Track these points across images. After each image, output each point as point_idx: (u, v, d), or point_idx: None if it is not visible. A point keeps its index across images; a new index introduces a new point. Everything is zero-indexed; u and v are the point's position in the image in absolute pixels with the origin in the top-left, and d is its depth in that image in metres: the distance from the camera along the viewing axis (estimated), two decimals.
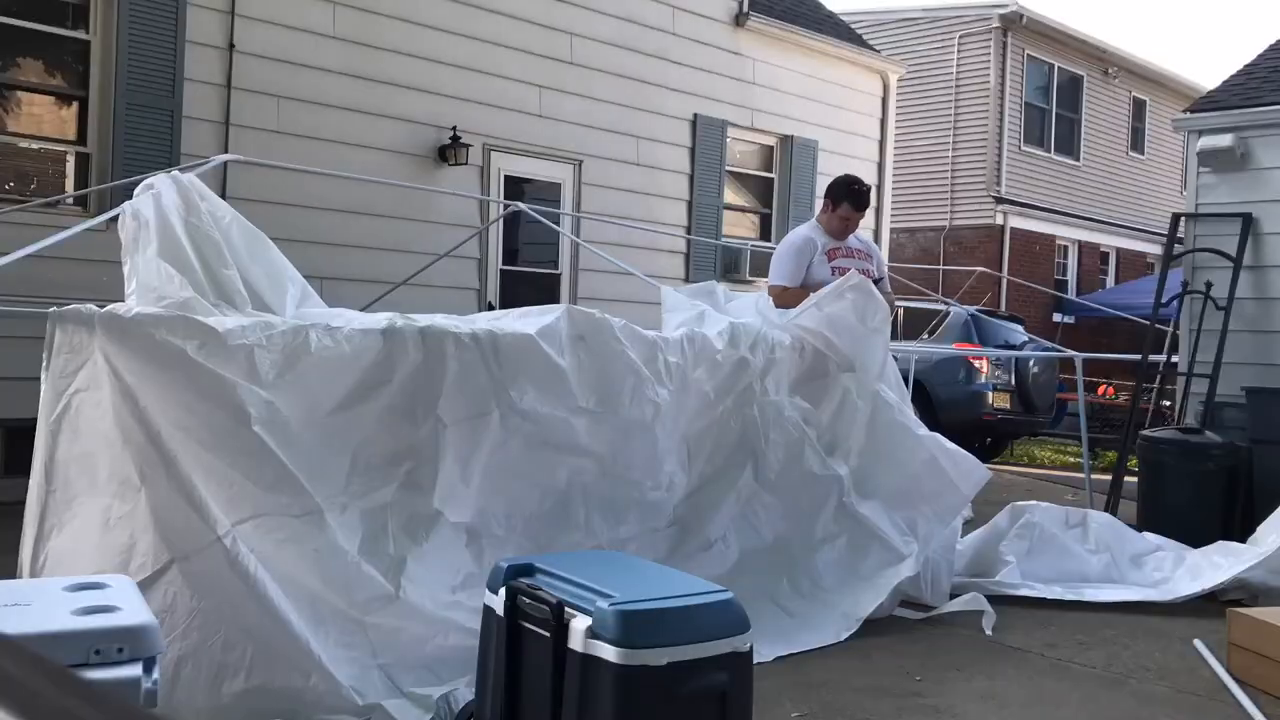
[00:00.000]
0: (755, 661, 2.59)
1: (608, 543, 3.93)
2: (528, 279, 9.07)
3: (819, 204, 5.70)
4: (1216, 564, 5.20)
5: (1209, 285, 7.21)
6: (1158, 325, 7.69)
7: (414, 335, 3.54)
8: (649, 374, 4.03)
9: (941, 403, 10.69)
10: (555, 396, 3.80)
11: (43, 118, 6.97)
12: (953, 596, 4.80)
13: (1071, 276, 18.79)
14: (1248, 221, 7.15)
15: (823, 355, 4.74)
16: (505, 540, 3.67)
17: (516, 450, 3.73)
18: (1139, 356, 7.70)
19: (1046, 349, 11.31)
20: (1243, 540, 5.43)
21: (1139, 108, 20.07)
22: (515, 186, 8.91)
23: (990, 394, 11.12)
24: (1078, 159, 18.88)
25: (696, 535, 4.31)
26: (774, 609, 4.30)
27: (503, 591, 2.61)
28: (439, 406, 3.55)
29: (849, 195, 5.44)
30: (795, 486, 4.53)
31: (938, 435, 4.88)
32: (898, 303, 7.37)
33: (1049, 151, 18.28)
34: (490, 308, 8.30)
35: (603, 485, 3.97)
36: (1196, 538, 5.56)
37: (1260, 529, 5.36)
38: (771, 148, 11.17)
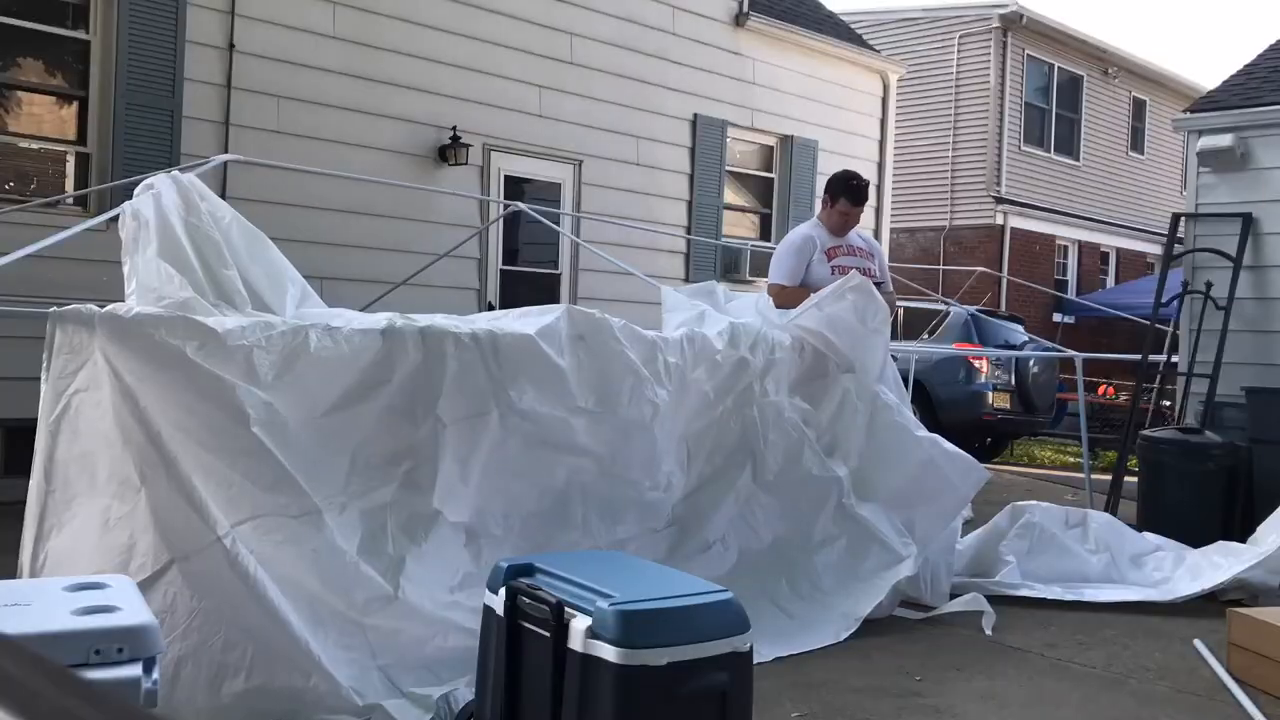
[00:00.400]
0: (755, 662, 2.59)
1: (606, 543, 3.93)
2: (528, 279, 9.07)
3: (819, 204, 5.71)
4: (1216, 564, 5.20)
5: (1209, 285, 7.21)
6: (1158, 325, 7.69)
7: (413, 335, 3.54)
8: (648, 374, 4.03)
9: (941, 403, 10.69)
10: (554, 396, 3.80)
11: (43, 118, 6.97)
12: (953, 596, 4.80)
13: (1071, 276, 18.79)
14: (1248, 221, 7.16)
15: (823, 356, 4.73)
16: (504, 540, 3.67)
17: (515, 450, 3.73)
18: (1139, 356, 7.70)
19: (1046, 349, 11.31)
20: (1243, 540, 5.43)
21: (1139, 108, 20.08)
22: (515, 186, 8.91)
23: (990, 394, 11.12)
24: (1078, 159, 18.87)
25: (695, 536, 4.30)
26: (773, 610, 4.29)
27: (503, 591, 2.61)
28: (438, 406, 3.55)
29: (846, 190, 5.44)
30: (794, 487, 4.53)
31: (937, 436, 4.88)
32: (898, 302, 7.36)
33: (1049, 151, 18.28)
34: (490, 308, 8.30)
35: (601, 485, 3.97)
36: (1196, 538, 5.56)
37: (1260, 529, 5.37)
38: (771, 148, 11.17)
